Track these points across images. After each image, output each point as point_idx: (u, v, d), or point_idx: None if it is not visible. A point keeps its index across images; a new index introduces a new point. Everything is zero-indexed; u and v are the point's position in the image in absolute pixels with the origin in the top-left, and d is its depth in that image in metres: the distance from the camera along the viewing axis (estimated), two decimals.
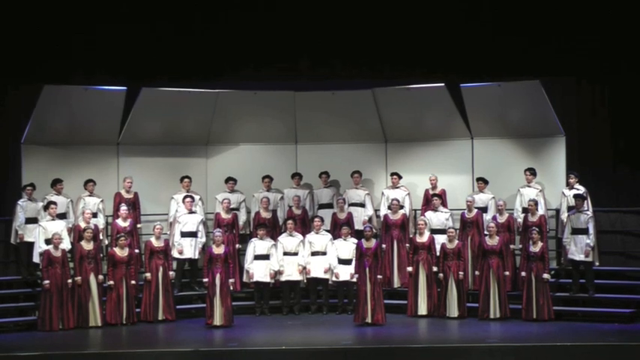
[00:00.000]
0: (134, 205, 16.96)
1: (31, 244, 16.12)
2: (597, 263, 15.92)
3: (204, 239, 16.85)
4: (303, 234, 16.73)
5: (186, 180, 17.16)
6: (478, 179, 17.05)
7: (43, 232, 15.87)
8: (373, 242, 15.65)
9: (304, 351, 13.80)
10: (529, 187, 16.65)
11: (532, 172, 16.70)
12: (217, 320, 15.41)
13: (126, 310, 15.81)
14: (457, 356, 13.69)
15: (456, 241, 16.12)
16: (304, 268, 16.51)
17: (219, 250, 15.64)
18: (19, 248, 16.32)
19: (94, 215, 16.53)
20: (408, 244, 16.52)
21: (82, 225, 16.07)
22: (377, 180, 18.01)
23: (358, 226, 16.88)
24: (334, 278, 16.42)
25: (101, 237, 16.52)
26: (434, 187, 17.15)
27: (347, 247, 16.32)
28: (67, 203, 16.62)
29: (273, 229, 17.03)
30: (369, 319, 15.36)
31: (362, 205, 17.30)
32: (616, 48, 17.08)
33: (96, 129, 17.33)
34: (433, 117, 17.65)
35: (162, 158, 17.77)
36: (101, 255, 16.15)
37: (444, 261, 16.00)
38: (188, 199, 16.82)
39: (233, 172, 17.54)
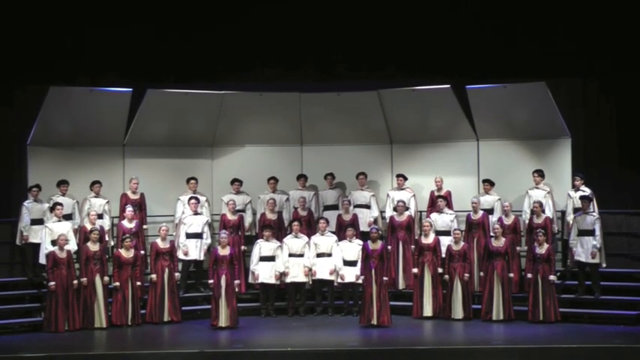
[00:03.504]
0: (140, 206, 16.98)
1: (36, 245, 16.14)
2: (604, 265, 15.89)
3: (209, 240, 16.86)
4: (309, 235, 16.72)
5: (192, 181, 17.18)
6: (484, 181, 17.04)
7: (50, 233, 15.88)
8: (379, 244, 15.65)
9: (310, 352, 13.80)
10: (537, 188, 16.62)
11: (540, 173, 16.68)
12: (223, 321, 15.42)
13: (131, 312, 15.82)
14: (463, 358, 13.68)
15: (462, 243, 16.10)
16: (310, 269, 16.50)
17: (224, 251, 15.64)
18: (24, 249, 16.34)
19: (100, 216, 16.54)
20: (413, 246, 16.51)
21: (88, 226, 16.09)
22: (382, 181, 18.00)
23: (363, 227, 16.88)
24: (340, 280, 16.41)
25: (107, 238, 16.53)
26: (439, 188, 17.14)
27: (352, 248, 16.32)
28: (73, 204, 16.64)
29: (278, 230, 17.03)
30: (374, 321, 15.36)
31: (367, 206, 17.30)
32: (622, 49, 17.06)
33: (101, 130, 17.35)
34: (439, 118, 17.64)
35: (167, 159, 17.79)
36: (107, 256, 16.16)
37: (450, 262, 15.99)
38: (193, 201, 16.83)
39: (239, 174, 17.55)
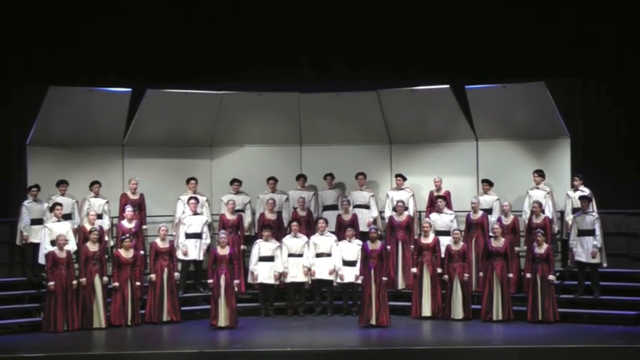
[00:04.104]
0: (140, 206, 16.99)
1: (36, 245, 16.15)
2: (605, 264, 15.88)
3: (208, 240, 16.86)
4: (308, 235, 16.72)
5: (192, 181, 17.18)
6: (483, 181, 17.04)
7: (49, 233, 15.88)
8: (378, 244, 15.65)
9: (309, 353, 13.81)
10: (537, 188, 16.62)
11: (540, 173, 16.68)
12: (222, 321, 15.42)
13: (131, 312, 15.82)
14: (462, 358, 13.69)
15: (461, 243, 16.11)
16: (309, 269, 16.50)
17: (224, 251, 15.65)
18: (24, 249, 16.34)
19: (99, 216, 16.54)
20: (412, 246, 16.51)
21: (88, 226, 16.09)
22: (381, 181, 18.01)
23: (363, 227, 16.88)
24: (339, 280, 16.41)
25: (106, 238, 16.54)
26: (438, 188, 17.14)
27: (352, 248, 16.32)
28: (72, 204, 16.63)
29: (278, 230, 17.03)
30: (373, 321, 15.36)
31: (367, 206, 17.30)
32: (621, 48, 17.05)
33: (101, 130, 17.35)
34: (438, 118, 17.64)
35: (167, 160, 17.79)
36: (106, 256, 16.16)
37: (449, 263, 15.99)
38: (192, 201, 16.83)
39: (238, 174, 17.55)
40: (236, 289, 15.76)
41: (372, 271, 15.48)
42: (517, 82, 16.96)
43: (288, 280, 16.50)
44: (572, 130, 17.01)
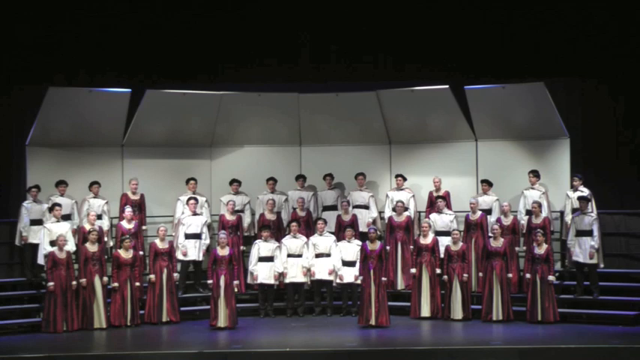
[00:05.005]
0: (140, 206, 16.99)
1: (35, 246, 16.15)
2: (602, 265, 15.90)
3: (208, 241, 16.86)
4: (307, 236, 16.72)
5: (192, 182, 17.19)
6: (482, 181, 17.04)
7: (48, 233, 15.89)
8: (378, 244, 15.66)
9: (308, 353, 13.81)
10: (533, 189, 16.64)
11: (535, 174, 16.69)
12: (221, 322, 15.43)
13: (130, 312, 15.82)
14: (461, 358, 13.68)
15: (461, 243, 16.11)
16: (308, 270, 16.51)
17: (223, 251, 15.65)
18: (23, 250, 16.34)
19: (99, 217, 16.55)
20: (412, 246, 16.51)
21: (87, 227, 16.09)
22: (381, 182, 18.00)
23: (362, 228, 16.89)
24: (338, 280, 16.41)
25: (105, 239, 16.54)
26: (437, 189, 17.15)
27: (351, 249, 16.32)
28: (72, 205, 16.64)
29: (277, 231, 17.03)
30: (373, 322, 15.36)
31: (366, 207, 17.30)
32: (621, 48, 17.05)
33: (100, 131, 17.35)
34: (437, 119, 17.64)
35: (166, 160, 17.79)
36: (105, 257, 16.17)
37: (449, 263, 15.99)
38: (192, 201, 16.84)
39: (237, 174, 17.55)
40: (236, 290, 15.76)
41: (372, 271, 15.48)
42: (517, 82, 16.96)
43: (288, 280, 16.51)
44: (571, 131, 17.01)
